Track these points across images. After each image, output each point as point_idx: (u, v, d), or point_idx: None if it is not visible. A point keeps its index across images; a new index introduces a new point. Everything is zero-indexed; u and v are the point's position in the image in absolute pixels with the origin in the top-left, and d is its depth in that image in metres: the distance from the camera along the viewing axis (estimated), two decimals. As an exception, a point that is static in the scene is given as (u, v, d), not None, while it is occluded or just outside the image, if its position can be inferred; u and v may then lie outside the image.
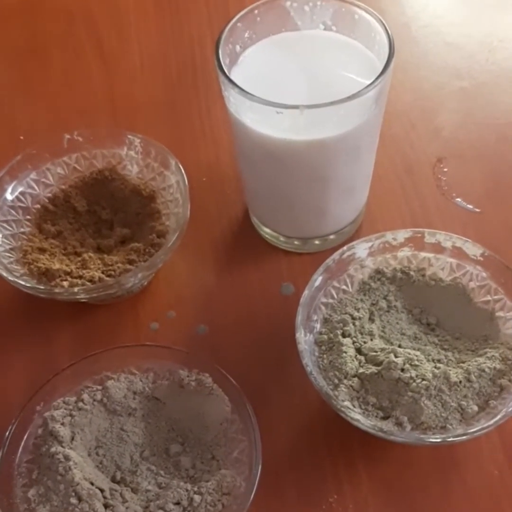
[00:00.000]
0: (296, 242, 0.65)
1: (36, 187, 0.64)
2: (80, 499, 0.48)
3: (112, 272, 0.59)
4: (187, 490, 0.49)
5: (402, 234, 0.57)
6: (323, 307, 0.56)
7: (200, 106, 0.76)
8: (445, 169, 0.70)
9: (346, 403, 0.50)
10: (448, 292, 0.57)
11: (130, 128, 0.67)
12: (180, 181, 0.62)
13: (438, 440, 0.48)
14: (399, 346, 0.54)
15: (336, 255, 0.56)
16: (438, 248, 0.57)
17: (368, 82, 0.52)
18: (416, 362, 0.51)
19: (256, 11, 0.58)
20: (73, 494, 0.48)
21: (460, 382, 0.51)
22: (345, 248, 0.57)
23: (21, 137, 0.75)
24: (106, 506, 0.48)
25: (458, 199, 0.68)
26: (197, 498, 0.48)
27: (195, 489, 0.49)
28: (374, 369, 0.51)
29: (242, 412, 0.51)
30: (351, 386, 0.51)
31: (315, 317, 0.55)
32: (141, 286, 0.63)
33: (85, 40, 0.84)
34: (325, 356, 0.53)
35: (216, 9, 0.85)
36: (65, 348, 0.60)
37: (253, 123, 0.55)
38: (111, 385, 0.54)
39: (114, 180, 0.65)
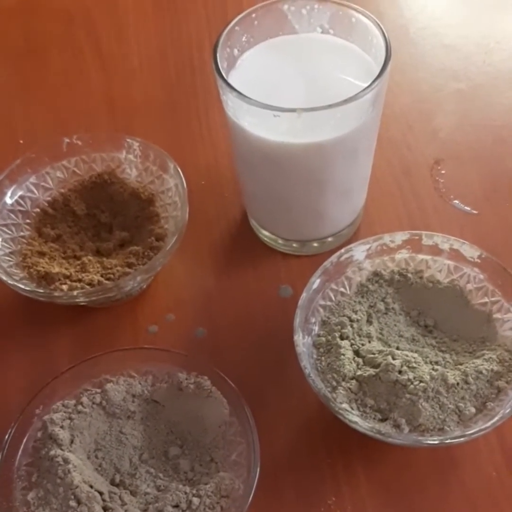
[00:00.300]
0: (294, 245, 0.65)
1: (35, 191, 0.65)
2: (79, 502, 0.48)
3: (111, 276, 0.59)
4: (185, 493, 0.49)
5: (400, 237, 0.58)
6: (321, 310, 0.56)
7: (199, 109, 0.77)
8: (443, 171, 0.70)
9: (344, 405, 0.50)
10: (446, 294, 0.57)
11: (129, 131, 0.67)
12: (178, 184, 0.62)
13: (436, 442, 0.49)
14: (397, 348, 0.54)
15: (334, 258, 0.57)
16: (435, 250, 0.57)
17: (365, 85, 0.52)
18: (414, 364, 0.51)
19: (253, 15, 0.58)
20: (72, 497, 0.48)
21: (458, 384, 0.51)
22: (343, 250, 0.57)
23: (21, 141, 0.75)
24: (105, 509, 0.48)
25: (456, 201, 0.68)
26: (195, 500, 0.49)
27: (194, 491, 0.49)
28: (372, 371, 0.52)
29: (240, 414, 0.51)
30: (349, 388, 0.51)
31: (313, 320, 0.55)
32: (140, 289, 0.63)
33: (84, 42, 0.84)
34: (323, 358, 0.53)
35: (215, 12, 0.85)
36: (65, 351, 0.60)
37: (251, 126, 0.55)
38: (110, 388, 0.54)
39: (113, 184, 0.65)
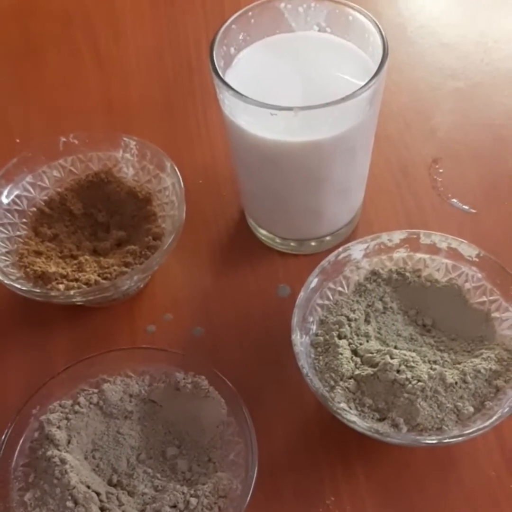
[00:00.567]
0: (292, 244, 0.65)
1: (32, 190, 0.64)
2: (76, 503, 0.48)
3: (108, 275, 0.59)
4: (183, 493, 0.49)
5: (398, 235, 0.57)
6: (319, 309, 0.56)
7: (196, 108, 0.76)
8: (441, 170, 0.70)
9: (342, 405, 0.50)
10: (444, 293, 0.57)
11: (126, 130, 0.67)
12: (175, 183, 0.62)
13: (434, 441, 0.48)
14: (395, 347, 0.54)
15: (331, 257, 0.56)
16: (433, 249, 0.57)
17: (363, 83, 0.52)
18: (412, 364, 0.51)
19: (250, 13, 0.58)
20: (70, 497, 0.48)
21: (456, 383, 0.51)
22: (340, 249, 0.57)
23: (17, 140, 0.75)
24: (102, 509, 0.48)
25: (454, 200, 0.68)
26: (193, 501, 0.48)
27: (192, 492, 0.49)
28: (370, 370, 0.51)
29: (238, 414, 0.51)
30: (347, 387, 0.51)
31: (311, 319, 0.55)
32: (137, 288, 0.63)
33: (81, 42, 0.84)
34: (321, 357, 0.53)
35: (212, 11, 0.85)
36: (61, 351, 0.60)
37: (248, 125, 0.55)
38: (107, 388, 0.54)
39: (110, 183, 0.65)
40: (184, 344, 0.60)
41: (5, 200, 0.63)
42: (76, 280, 0.58)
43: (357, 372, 0.52)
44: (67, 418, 0.52)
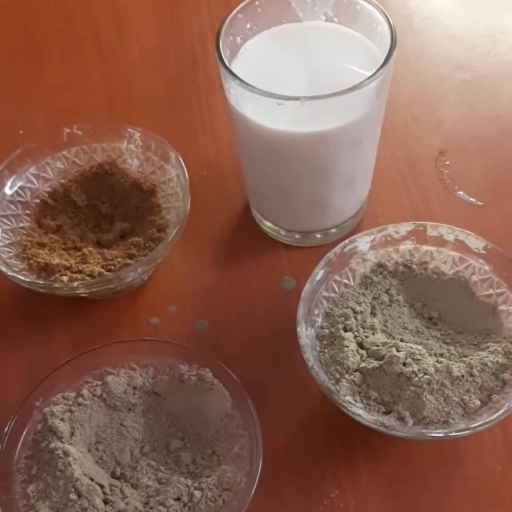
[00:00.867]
0: (297, 236, 0.65)
1: (35, 182, 0.64)
2: (79, 495, 0.47)
3: (112, 267, 0.58)
4: (187, 486, 0.49)
5: (404, 227, 0.57)
6: (324, 301, 0.55)
7: (200, 99, 0.76)
8: (447, 162, 0.69)
9: (348, 398, 0.50)
10: (451, 286, 0.56)
11: (130, 122, 0.66)
12: (180, 175, 0.61)
13: (440, 435, 0.48)
14: (401, 340, 0.54)
15: (337, 249, 0.56)
16: (440, 241, 0.57)
17: (370, 73, 0.51)
18: (418, 356, 0.51)
19: (257, 2, 0.57)
20: (73, 490, 0.47)
21: (463, 376, 0.50)
22: (346, 241, 0.56)
23: (21, 132, 0.74)
24: (105, 502, 0.48)
25: (460, 192, 0.67)
26: (197, 493, 0.48)
27: (196, 484, 0.49)
28: (375, 363, 0.51)
29: (242, 407, 0.51)
30: (353, 380, 0.51)
31: (316, 311, 0.55)
32: (141, 280, 0.62)
33: (85, 34, 0.84)
34: (326, 350, 0.53)
35: (216, 3, 0.84)
36: (65, 343, 0.60)
37: (254, 115, 0.54)
38: (111, 380, 0.53)
39: (114, 174, 0.64)
40: (188, 337, 0.60)
41: (8, 192, 0.63)
42: (80, 271, 0.58)
43: (362, 365, 0.51)
44: (70, 410, 0.52)
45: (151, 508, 0.48)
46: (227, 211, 0.67)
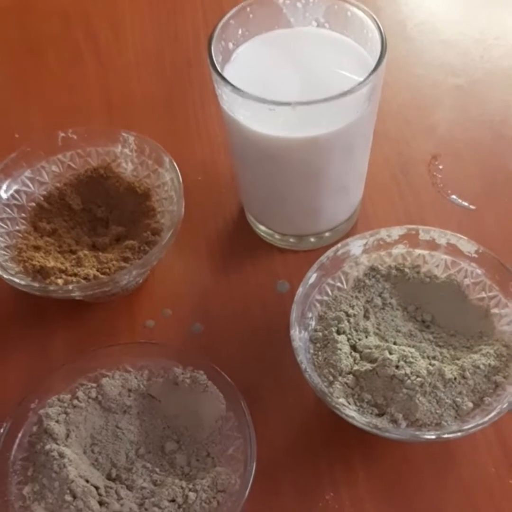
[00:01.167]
0: (291, 240, 0.65)
1: (31, 185, 0.64)
2: (74, 496, 0.48)
3: (107, 270, 0.59)
4: (182, 488, 0.49)
5: (397, 231, 0.57)
6: (318, 305, 0.56)
7: (195, 103, 0.76)
8: (440, 167, 0.70)
9: (341, 400, 0.50)
10: (443, 289, 0.57)
11: (125, 126, 0.67)
12: (174, 179, 0.61)
13: (433, 436, 0.48)
14: (394, 343, 0.54)
15: (330, 252, 0.56)
16: (432, 245, 0.57)
17: (361, 79, 0.52)
18: (411, 359, 0.51)
19: (248, 8, 0.58)
20: (68, 491, 0.48)
21: (455, 379, 0.51)
22: (339, 245, 0.57)
23: (16, 135, 0.74)
24: (101, 503, 0.48)
25: (453, 196, 0.68)
26: (192, 495, 0.48)
27: (190, 486, 0.49)
28: (368, 366, 0.51)
29: (237, 409, 0.51)
30: (346, 383, 0.51)
31: (310, 315, 0.55)
32: (136, 284, 0.63)
33: (80, 37, 0.84)
34: (320, 353, 0.53)
35: (211, 7, 0.85)
36: (60, 346, 0.60)
37: (246, 120, 0.55)
38: (106, 382, 0.53)
39: (109, 178, 0.65)
40: (183, 339, 0.60)
41: (4, 195, 0.63)
42: (75, 274, 0.58)
43: (356, 367, 0.52)
44: (66, 413, 0.52)
45: (146, 509, 0.48)
46: (222, 215, 0.68)
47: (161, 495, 0.49)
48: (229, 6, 0.57)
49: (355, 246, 0.57)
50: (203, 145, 0.73)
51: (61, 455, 0.49)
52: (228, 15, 0.57)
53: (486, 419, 0.48)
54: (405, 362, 0.51)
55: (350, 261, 0.57)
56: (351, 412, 0.49)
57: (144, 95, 0.78)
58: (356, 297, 0.56)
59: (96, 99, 0.78)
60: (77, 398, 0.53)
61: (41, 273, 0.59)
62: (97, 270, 0.59)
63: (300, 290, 0.55)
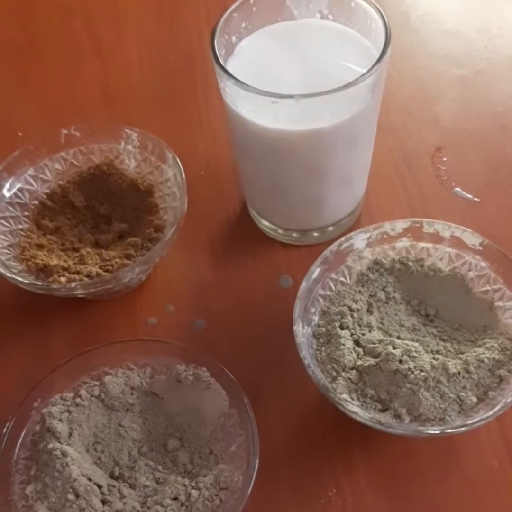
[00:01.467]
0: (294, 235, 0.65)
1: (34, 183, 0.64)
2: (77, 495, 0.48)
3: (110, 267, 0.58)
4: (184, 485, 0.49)
5: (400, 224, 0.57)
6: (321, 299, 0.56)
7: (198, 98, 0.76)
8: (444, 159, 0.69)
9: (344, 395, 0.50)
10: (447, 283, 0.56)
11: (128, 122, 0.66)
12: (177, 174, 0.61)
13: (437, 431, 0.48)
14: (398, 337, 0.54)
15: (333, 247, 0.56)
16: (436, 238, 0.57)
17: (365, 70, 0.51)
18: (415, 354, 0.51)
19: (252, 1, 0.57)
20: (71, 490, 0.48)
21: (459, 373, 0.50)
22: (342, 239, 0.56)
23: (20, 134, 0.74)
24: (103, 502, 0.48)
25: (457, 189, 0.67)
26: (194, 493, 0.48)
27: (193, 484, 0.49)
28: (372, 361, 0.51)
29: (239, 406, 0.51)
30: (349, 378, 0.51)
31: (313, 310, 0.55)
32: (139, 281, 0.63)
33: (82, 33, 0.84)
34: (323, 348, 0.53)
35: (213, 1, 0.84)
36: (63, 344, 0.60)
37: (249, 113, 0.54)
38: (108, 380, 0.53)
39: (112, 175, 0.65)
40: (186, 336, 0.60)
41: (7, 194, 0.63)
42: (78, 272, 0.58)
43: (359, 362, 0.52)
44: (68, 411, 0.52)
45: (148, 507, 0.48)
46: (225, 210, 0.68)
47: (163, 493, 0.49)
48: (233, 0, 0.57)
49: (359, 240, 0.57)
50: (206, 139, 0.73)
51: (64, 454, 0.49)
52: (231, 8, 0.57)
53: (490, 413, 0.48)
54: (409, 356, 0.50)
55: (353, 255, 0.57)
56: (354, 408, 0.49)
57: (146, 90, 0.78)
58: (360, 292, 0.56)
59: (98, 95, 0.78)
60: (79, 396, 0.53)
61: (44, 271, 0.59)
62: (100, 268, 0.58)
63: (303, 285, 0.54)
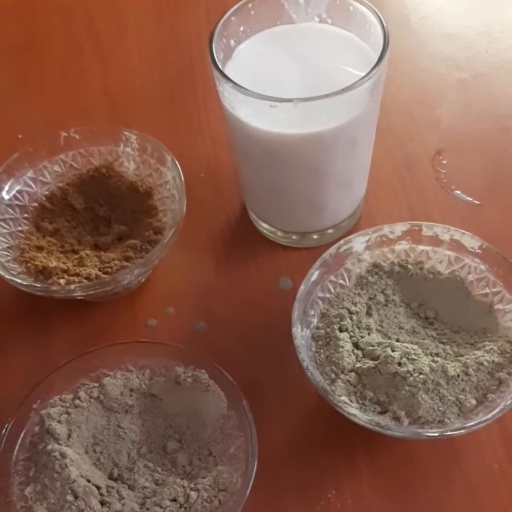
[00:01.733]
0: (294, 237, 0.65)
1: (33, 185, 0.64)
2: (76, 496, 0.48)
3: (109, 269, 0.58)
4: (183, 487, 0.49)
5: (400, 227, 0.57)
6: (320, 302, 0.56)
7: (198, 101, 0.76)
8: (444, 161, 0.69)
9: (343, 398, 0.50)
10: (446, 285, 0.56)
11: (128, 124, 0.67)
12: (176, 177, 0.61)
13: (436, 434, 0.48)
14: (397, 340, 0.54)
15: (332, 249, 0.56)
16: (436, 241, 0.57)
17: (364, 74, 0.51)
18: (414, 356, 0.51)
19: (250, 5, 0.58)
20: (70, 491, 0.48)
21: (458, 375, 0.50)
22: (342, 242, 0.56)
23: (20, 136, 0.74)
24: (102, 503, 0.48)
25: (457, 192, 0.67)
26: (193, 494, 0.48)
27: (192, 485, 0.49)
28: (371, 363, 0.51)
29: (238, 408, 0.51)
30: (348, 381, 0.51)
31: (312, 312, 0.55)
32: (139, 282, 0.63)
33: (83, 35, 0.84)
34: (322, 351, 0.53)
35: (214, 4, 0.85)
36: (62, 346, 0.60)
37: (248, 117, 0.54)
38: (107, 382, 0.53)
39: (111, 177, 0.65)
40: (186, 338, 0.60)
41: (6, 196, 0.63)
42: (77, 274, 0.58)
43: (358, 365, 0.52)
44: (67, 412, 0.52)
45: (147, 509, 0.48)
46: (224, 213, 0.68)
47: (162, 494, 0.49)
48: (233, 3, 0.57)
49: (358, 242, 0.57)
50: (206, 142, 0.73)
51: (63, 455, 0.49)
52: (230, 12, 0.57)
53: (489, 416, 0.48)
54: (408, 359, 0.50)
55: (352, 258, 0.57)
56: (353, 410, 0.49)
57: (146, 93, 0.78)
58: (359, 294, 0.56)
59: (98, 97, 0.78)
60: (79, 398, 0.53)
61: (44, 273, 0.59)
62: (99, 270, 0.59)
63: (302, 287, 0.54)
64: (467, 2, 0.84)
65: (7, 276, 0.57)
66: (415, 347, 0.52)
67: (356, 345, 0.53)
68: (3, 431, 0.51)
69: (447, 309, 0.56)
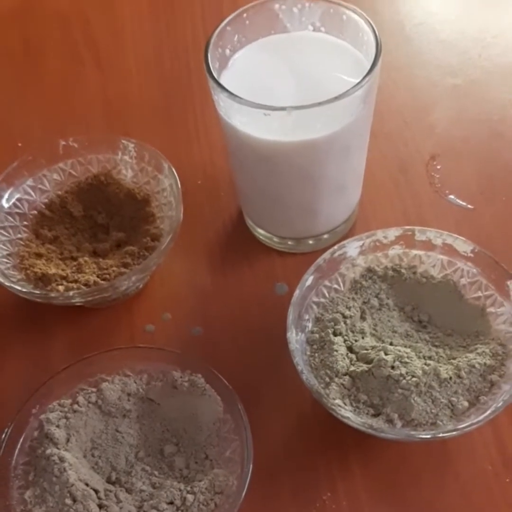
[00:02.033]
0: (290, 243, 0.65)
1: (32, 193, 0.65)
2: (74, 500, 0.48)
3: (107, 276, 0.59)
4: (180, 490, 0.50)
5: (393, 232, 0.58)
6: (314, 306, 0.56)
7: (195, 109, 0.77)
8: (438, 167, 0.70)
9: (337, 401, 0.51)
10: (440, 289, 0.57)
11: (125, 132, 0.67)
12: (173, 184, 0.62)
13: (428, 436, 0.49)
14: (391, 343, 0.55)
15: (327, 255, 0.57)
16: (428, 246, 0.57)
17: (357, 81, 0.52)
18: (406, 359, 0.51)
19: (245, 15, 0.58)
20: (68, 495, 0.48)
21: (450, 378, 0.51)
22: (336, 247, 0.57)
23: (19, 144, 0.75)
24: (100, 506, 0.49)
25: (451, 196, 0.68)
26: (190, 497, 0.49)
27: (188, 488, 0.50)
28: (365, 367, 0.52)
29: (234, 411, 0.52)
30: (342, 384, 0.52)
31: (306, 317, 0.55)
32: (136, 289, 0.63)
33: (80, 44, 0.85)
34: (316, 355, 0.54)
35: (210, 13, 0.86)
36: (61, 352, 0.61)
37: (243, 125, 0.55)
38: (105, 387, 0.54)
39: (110, 185, 0.66)
40: (183, 343, 0.60)
41: (6, 204, 0.64)
42: (76, 281, 0.59)
43: (352, 368, 0.52)
44: (66, 417, 0.53)
45: (144, 512, 0.49)
46: (221, 219, 0.68)
47: (159, 497, 0.49)
48: (229, 12, 0.58)
49: (352, 247, 0.58)
50: (203, 149, 0.74)
51: (62, 459, 0.50)
52: (225, 21, 0.57)
53: (481, 418, 0.49)
54: (401, 362, 0.51)
55: (346, 263, 0.58)
56: (347, 413, 0.50)
57: (144, 101, 0.79)
58: (353, 299, 0.57)
59: (96, 106, 0.79)
60: (77, 403, 0.54)
61: (43, 280, 0.59)
62: (97, 276, 0.59)
63: (297, 292, 0.55)
64: (461, 9, 0.85)
65: (7, 283, 0.58)
66: (408, 350, 0.53)
67: (350, 349, 0.54)
68: (3, 435, 0.52)
69: (440, 313, 0.57)
